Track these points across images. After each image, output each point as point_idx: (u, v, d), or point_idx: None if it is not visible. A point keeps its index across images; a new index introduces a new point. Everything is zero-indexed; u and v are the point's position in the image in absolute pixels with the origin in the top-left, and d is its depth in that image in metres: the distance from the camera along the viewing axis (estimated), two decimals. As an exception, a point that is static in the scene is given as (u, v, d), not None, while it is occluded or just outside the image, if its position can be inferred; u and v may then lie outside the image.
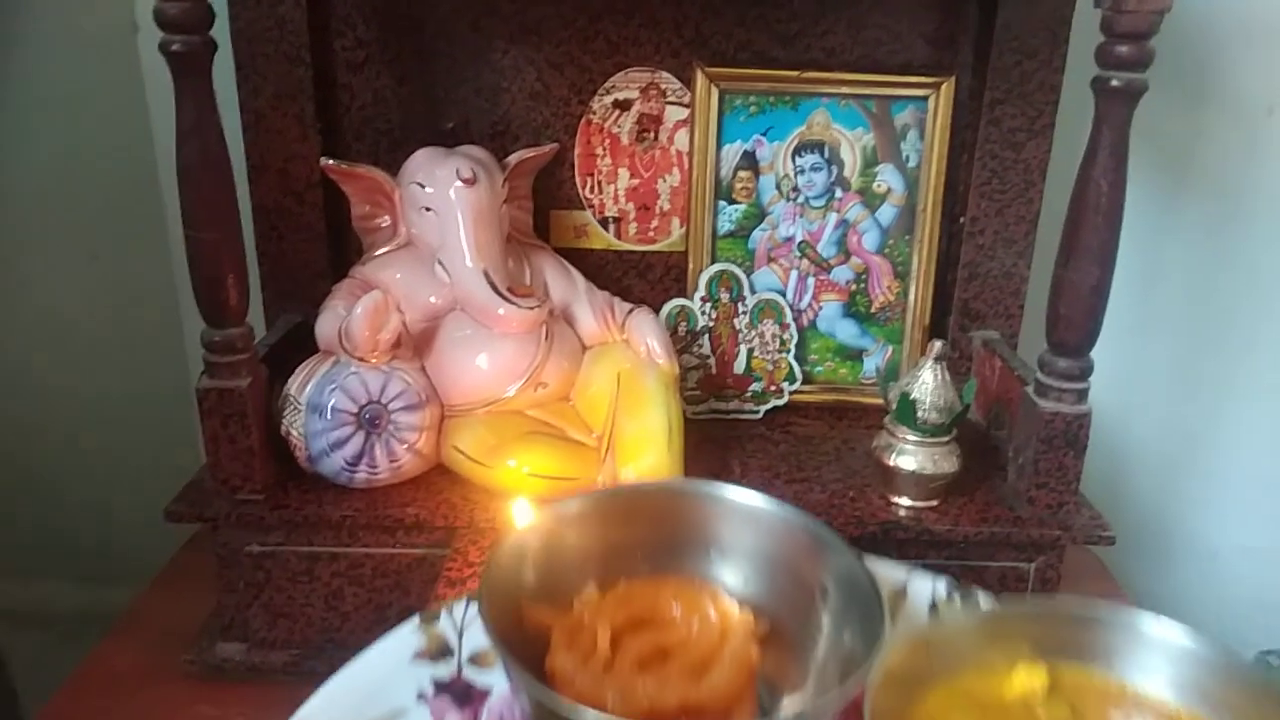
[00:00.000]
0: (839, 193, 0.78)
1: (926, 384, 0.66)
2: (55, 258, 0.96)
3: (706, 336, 0.79)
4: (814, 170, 0.78)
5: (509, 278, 0.68)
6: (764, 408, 0.80)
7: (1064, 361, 0.63)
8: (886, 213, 0.79)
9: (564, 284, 0.74)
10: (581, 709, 0.40)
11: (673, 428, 0.66)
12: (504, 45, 0.75)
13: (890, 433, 0.67)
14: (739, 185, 0.78)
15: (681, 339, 0.78)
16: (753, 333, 0.79)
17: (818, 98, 0.76)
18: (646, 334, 0.71)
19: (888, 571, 0.55)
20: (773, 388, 0.80)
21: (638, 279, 0.81)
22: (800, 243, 0.79)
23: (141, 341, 0.98)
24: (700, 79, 0.75)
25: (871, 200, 0.78)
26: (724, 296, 0.79)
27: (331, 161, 0.69)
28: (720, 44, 0.75)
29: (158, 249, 0.92)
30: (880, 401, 0.70)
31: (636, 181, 0.78)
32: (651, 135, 0.77)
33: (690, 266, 0.79)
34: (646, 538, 0.51)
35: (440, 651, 0.51)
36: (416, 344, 0.68)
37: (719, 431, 0.77)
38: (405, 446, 0.65)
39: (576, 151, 0.77)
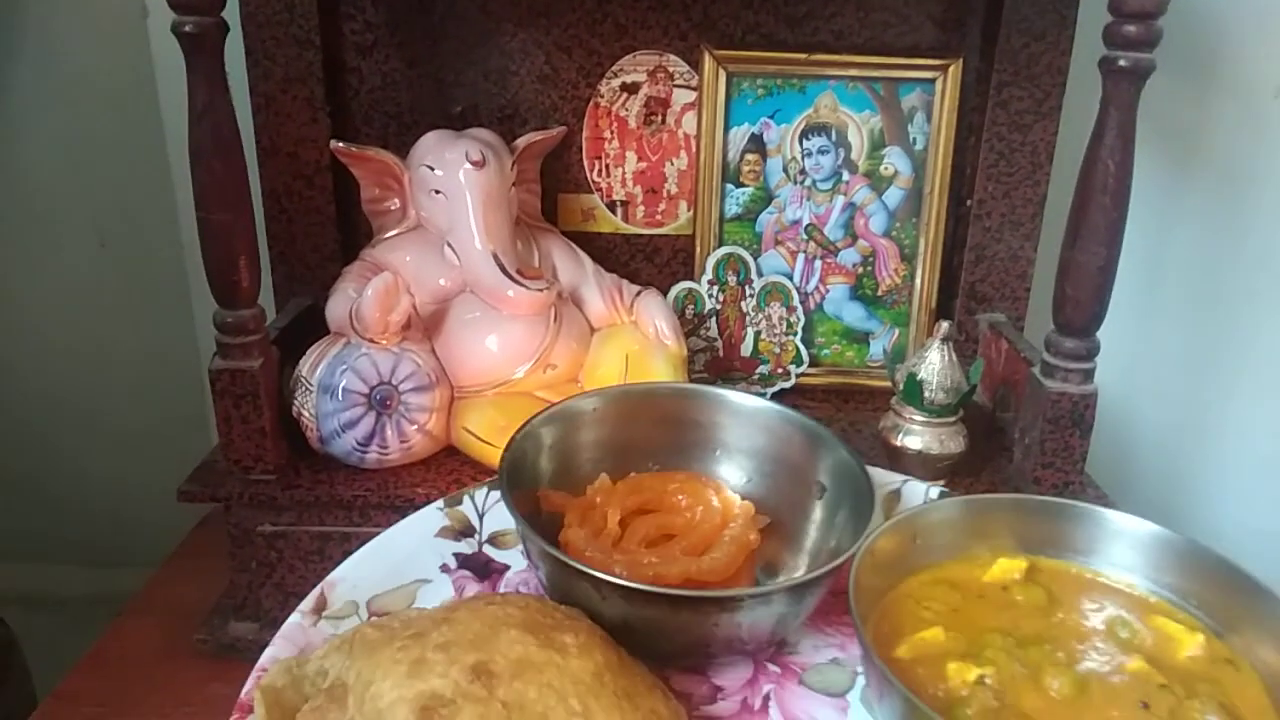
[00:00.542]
0: (846, 175, 0.78)
1: (933, 364, 0.66)
2: (65, 243, 0.96)
3: (714, 319, 0.79)
4: (821, 153, 0.78)
5: (518, 260, 0.69)
6: (771, 390, 0.80)
7: (1070, 342, 0.63)
8: (893, 195, 0.79)
9: (572, 266, 0.74)
10: (590, 569, 0.44)
11: (681, 408, 0.66)
12: (512, 28, 0.75)
13: (897, 413, 0.68)
14: (746, 168, 0.78)
15: (689, 322, 0.79)
16: (760, 315, 0.80)
17: (825, 80, 0.76)
18: (655, 315, 0.71)
19: (884, 476, 0.60)
20: (779, 370, 0.80)
21: (645, 262, 0.81)
22: (807, 226, 0.79)
23: (152, 326, 0.98)
24: (708, 62, 0.75)
25: (878, 183, 0.78)
26: (731, 279, 0.79)
27: (341, 144, 0.70)
28: (728, 26, 0.75)
29: (168, 234, 0.92)
30: (886, 384, 0.70)
31: (644, 165, 0.79)
32: (659, 118, 0.78)
33: (697, 250, 0.79)
34: (656, 435, 0.56)
35: (462, 530, 0.55)
36: (426, 326, 0.69)
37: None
38: (415, 427, 0.66)
39: (584, 135, 0.78)
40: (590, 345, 0.72)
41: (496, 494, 0.56)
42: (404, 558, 0.53)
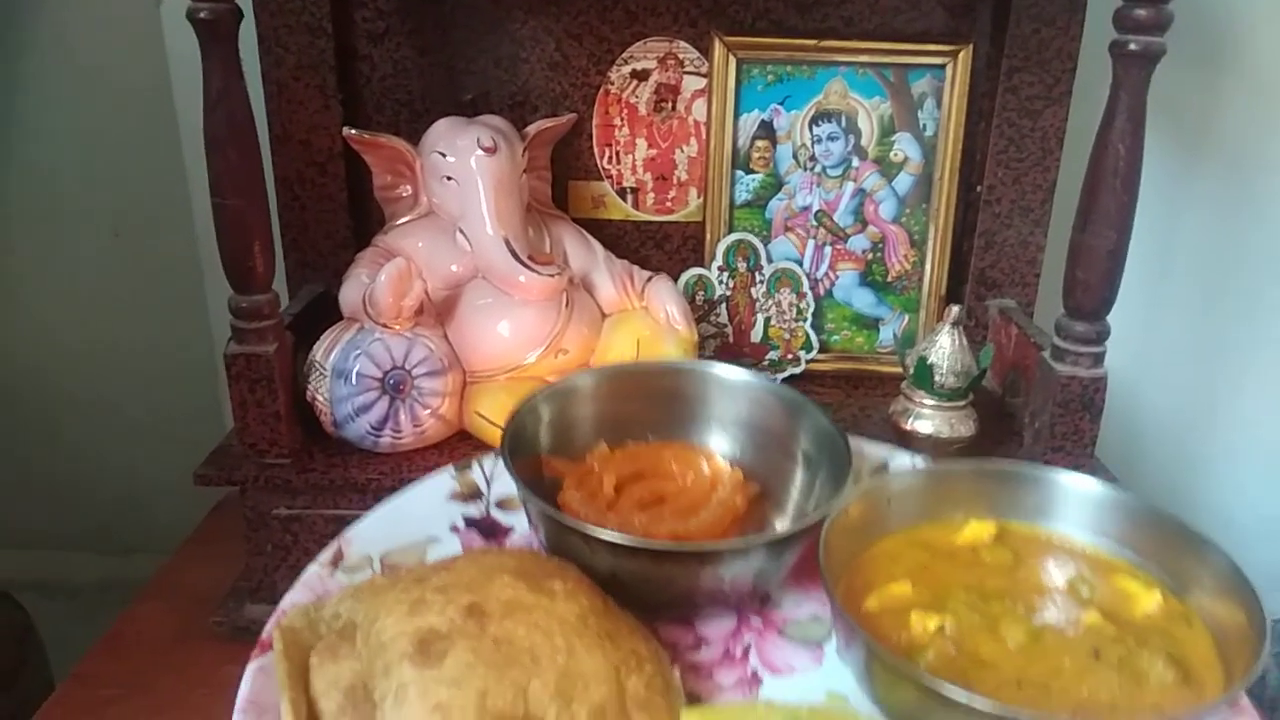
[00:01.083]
0: (856, 162, 0.78)
1: (944, 348, 0.66)
2: (79, 232, 0.97)
3: (724, 306, 0.80)
4: (831, 139, 0.78)
5: (529, 246, 0.69)
6: (781, 376, 0.81)
7: (1081, 325, 0.64)
8: (903, 182, 0.79)
9: (583, 252, 0.74)
10: (584, 524, 0.47)
11: (692, 393, 0.67)
12: (523, 16, 0.75)
13: (907, 397, 0.68)
14: (756, 155, 0.78)
15: (699, 308, 0.79)
16: (769, 302, 0.80)
17: (835, 66, 0.76)
18: (665, 301, 0.72)
19: (873, 449, 0.62)
20: (789, 356, 0.81)
21: (655, 249, 0.81)
22: (817, 212, 0.80)
23: (166, 316, 0.99)
24: (718, 48, 0.75)
25: (888, 169, 0.79)
26: (741, 266, 0.79)
27: (353, 131, 0.70)
28: (738, 13, 0.75)
29: (182, 224, 0.93)
30: (896, 370, 0.71)
31: (654, 152, 0.79)
32: (669, 105, 0.78)
33: (707, 236, 0.79)
34: (650, 409, 0.59)
35: (471, 494, 0.59)
36: (439, 311, 0.69)
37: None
38: (428, 411, 0.66)
39: (594, 122, 0.78)
40: (601, 330, 0.72)
41: (500, 462, 0.58)
42: (417, 518, 0.56)
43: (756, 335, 0.80)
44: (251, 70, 0.68)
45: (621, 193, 0.80)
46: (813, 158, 0.78)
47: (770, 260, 0.79)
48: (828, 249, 0.81)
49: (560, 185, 0.79)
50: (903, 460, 0.61)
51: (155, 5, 0.86)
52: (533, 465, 0.55)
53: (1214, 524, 1.08)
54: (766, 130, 0.78)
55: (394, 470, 0.65)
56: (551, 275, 0.67)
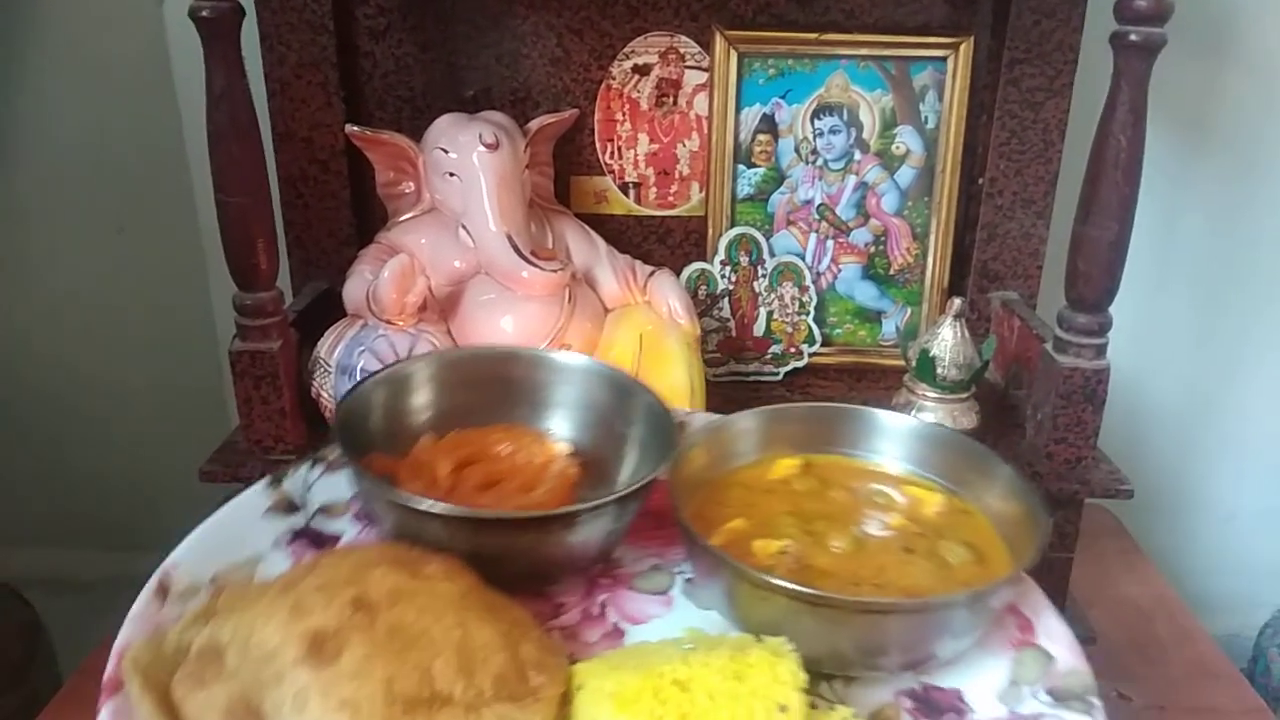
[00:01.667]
0: (858, 155, 0.79)
1: (946, 341, 0.66)
2: (83, 230, 0.97)
3: (726, 300, 0.80)
4: (833, 133, 0.78)
5: (531, 241, 0.69)
6: (784, 370, 0.81)
7: (1083, 317, 0.64)
8: (905, 174, 0.79)
9: (586, 247, 0.75)
10: (448, 506, 0.47)
11: (695, 386, 0.67)
12: (524, 11, 0.75)
13: (910, 389, 0.68)
14: (758, 149, 0.78)
15: (701, 302, 0.79)
16: (772, 295, 0.80)
17: (836, 60, 0.76)
18: (668, 295, 0.72)
19: (700, 415, 0.62)
20: (792, 350, 0.81)
21: (658, 244, 0.82)
22: (819, 205, 0.80)
23: (169, 313, 0.99)
24: (719, 42, 0.75)
25: (890, 162, 0.79)
26: (743, 260, 0.79)
27: (356, 128, 0.70)
28: (739, 7, 0.75)
29: (185, 220, 0.93)
30: (899, 363, 0.71)
31: (656, 146, 0.79)
32: (671, 100, 0.78)
33: (710, 230, 0.80)
34: (483, 395, 0.59)
35: (289, 507, 0.56)
36: (442, 307, 0.69)
37: (739, 394, 0.78)
38: (432, 407, 0.66)
39: (596, 117, 0.78)
40: (604, 325, 0.72)
41: (319, 469, 0.58)
42: (237, 537, 0.53)
43: (759, 329, 0.80)
44: (254, 68, 0.68)
45: (624, 188, 0.80)
46: (814, 151, 0.79)
47: (772, 254, 0.80)
48: (830, 242, 0.81)
49: (562, 180, 0.79)
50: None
51: (158, 3, 0.86)
52: (363, 462, 0.53)
53: (1217, 514, 1.09)
54: (768, 124, 0.78)
55: (399, 466, 0.65)
56: (554, 270, 0.67)
